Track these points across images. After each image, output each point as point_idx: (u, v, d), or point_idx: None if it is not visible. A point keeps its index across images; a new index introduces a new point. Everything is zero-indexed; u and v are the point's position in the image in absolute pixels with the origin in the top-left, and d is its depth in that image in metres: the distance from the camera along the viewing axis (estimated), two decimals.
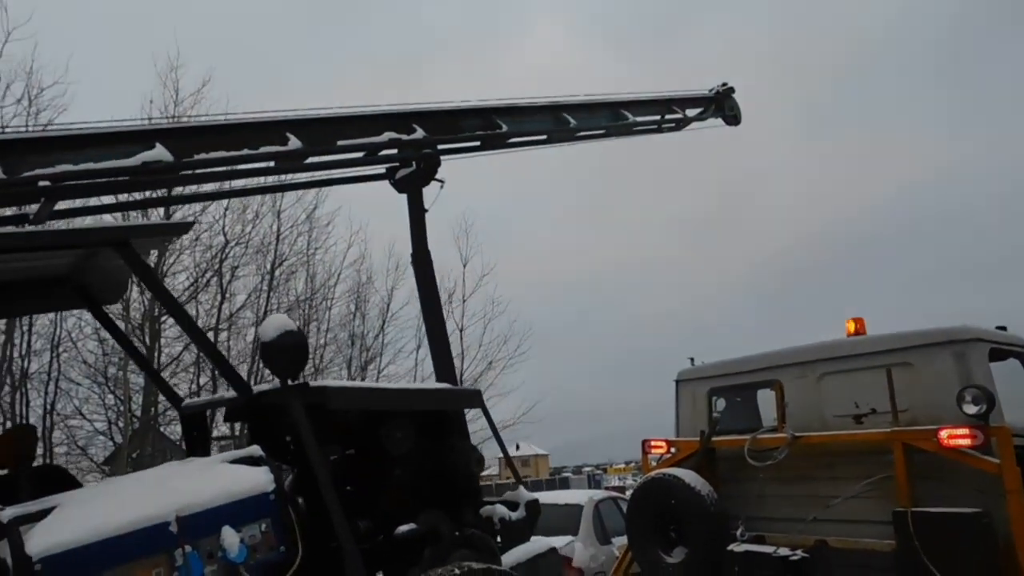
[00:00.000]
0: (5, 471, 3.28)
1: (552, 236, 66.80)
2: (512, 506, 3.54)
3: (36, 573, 2.14)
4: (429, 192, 4.57)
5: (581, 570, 7.06)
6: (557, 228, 71.55)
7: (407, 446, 3.30)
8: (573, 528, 7.58)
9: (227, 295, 16.72)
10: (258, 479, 2.65)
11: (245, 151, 4.07)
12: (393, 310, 19.93)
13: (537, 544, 3.43)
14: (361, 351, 19.44)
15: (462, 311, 20.18)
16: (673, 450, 6.05)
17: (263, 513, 2.59)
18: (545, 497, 6.39)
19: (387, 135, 4.61)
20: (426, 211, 4.07)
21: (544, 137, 6.05)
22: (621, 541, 6.50)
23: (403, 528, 3.20)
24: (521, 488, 3.58)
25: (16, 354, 13.81)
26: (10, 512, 2.27)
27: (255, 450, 2.80)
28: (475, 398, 3.92)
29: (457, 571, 2.67)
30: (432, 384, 4.29)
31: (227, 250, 16.44)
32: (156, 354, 14.79)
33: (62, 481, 3.16)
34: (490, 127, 5.40)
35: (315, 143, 4.32)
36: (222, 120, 4.41)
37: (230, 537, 2.41)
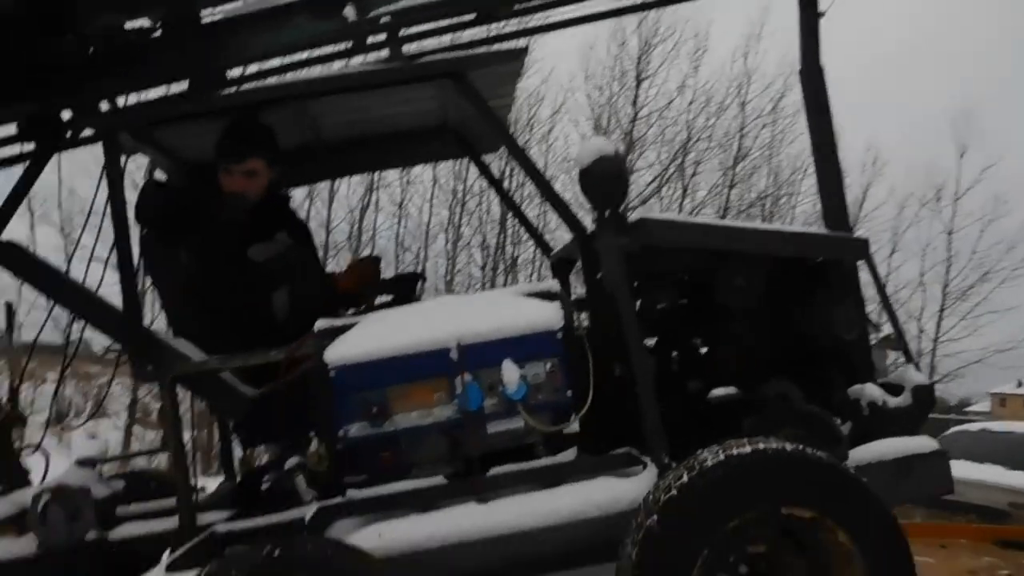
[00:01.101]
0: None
1: None
2: (894, 390, 2.77)
3: (330, 379, 2.37)
4: None
5: None
6: None
7: (751, 298, 2.75)
8: None
9: (688, 191, 16.67)
10: (547, 314, 2.45)
11: None
12: (866, 210, 18.17)
13: (918, 443, 2.57)
14: None
15: (952, 211, 17.72)
16: None
17: (549, 351, 2.41)
18: None
19: None
20: (821, 15, 3.06)
21: None
22: None
23: (718, 392, 2.84)
24: (911, 368, 2.81)
25: None
26: (321, 323, 2.51)
27: (553, 285, 2.51)
28: (858, 248, 2.95)
29: (747, 447, 2.09)
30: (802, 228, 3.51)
31: (689, 145, 16.62)
32: None
33: None
34: None
35: None
36: None
37: (510, 372, 2.34)
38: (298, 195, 14.86)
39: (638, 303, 2.93)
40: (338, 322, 2.57)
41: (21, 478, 2.89)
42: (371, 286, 3.27)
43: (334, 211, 18.11)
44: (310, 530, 2.31)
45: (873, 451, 2.52)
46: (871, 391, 2.71)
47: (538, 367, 2.44)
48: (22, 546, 2.54)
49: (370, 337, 2.49)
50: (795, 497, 2.11)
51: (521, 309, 2.57)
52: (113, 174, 2.67)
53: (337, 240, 18.46)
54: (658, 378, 2.85)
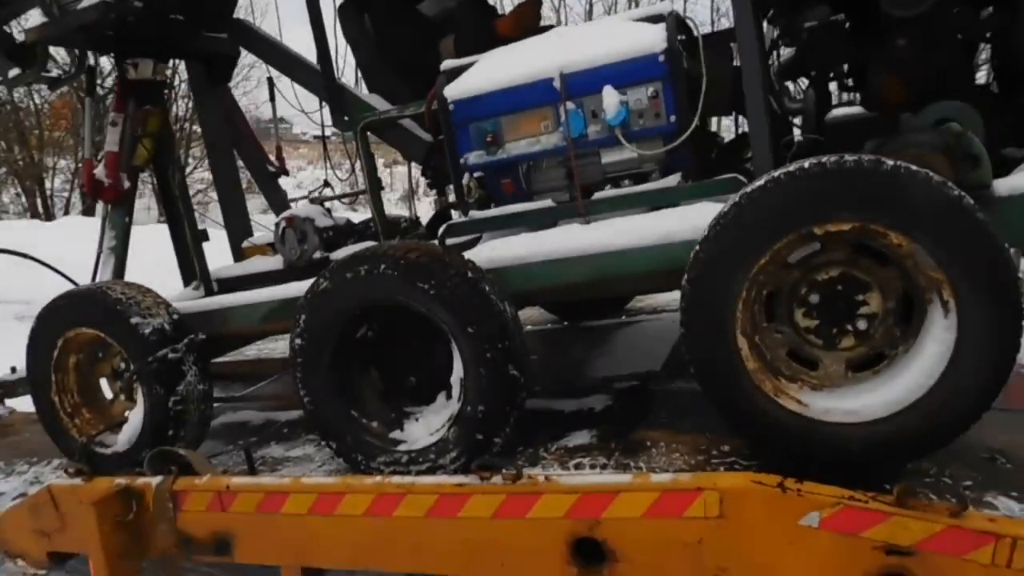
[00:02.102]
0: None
1: None
2: None
3: (450, 111, 2.74)
4: None
5: None
6: None
7: (921, 6, 2.30)
8: None
9: None
10: (649, 38, 2.42)
11: None
12: None
13: None
14: None
15: None
16: None
17: (650, 76, 2.40)
18: None
19: None
20: None
21: None
22: None
23: (841, 112, 2.67)
24: None
25: None
26: (446, 63, 2.90)
27: (665, 6, 2.58)
28: None
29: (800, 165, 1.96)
30: None
31: None
32: None
33: None
34: None
35: None
36: None
37: (609, 97, 2.37)
38: None
39: (782, 22, 2.63)
40: (462, 61, 2.85)
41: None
42: (530, 30, 3.33)
43: None
44: (440, 241, 2.79)
45: None
46: None
47: (640, 92, 2.44)
48: (274, 262, 3.50)
49: (483, 73, 2.75)
50: (832, 209, 1.94)
51: (626, 34, 2.53)
52: None
53: None
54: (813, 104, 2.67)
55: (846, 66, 2.70)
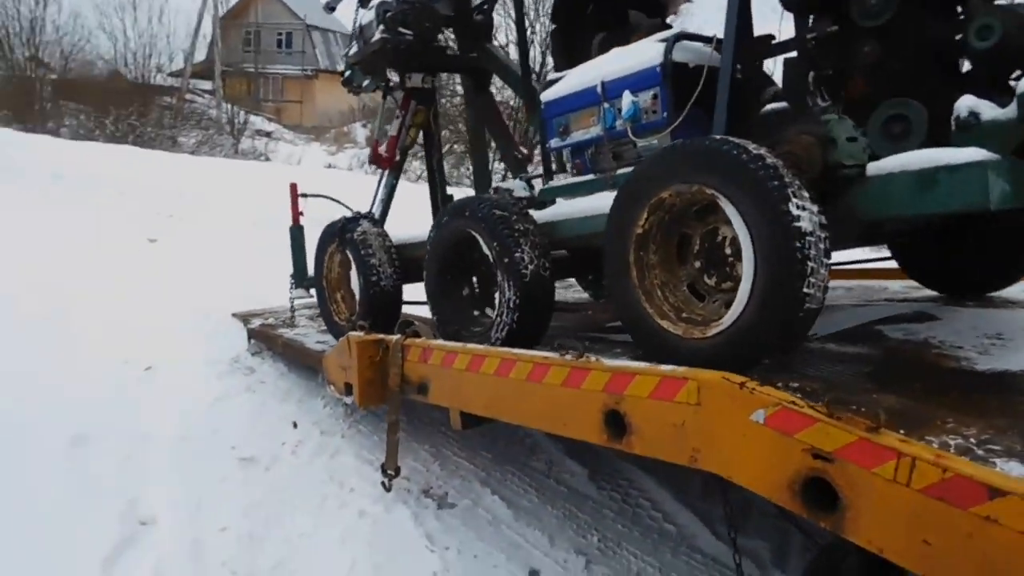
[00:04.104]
0: None
1: None
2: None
3: (543, 108, 3.64)
4: None
5: None
6: None
7: (886, 15, 2.57)
8: None
9: None
10: (650, 55, 3.12)
11: None
12: None
13: (961, 154, 2.21)
14: None
15: None
16: None
17: (651, 83, 3.09)
18: None
19: None
20: None
21: None
22: None
23: (774, 106, 3.02)
24: None
25: None
26: (551, 76, 3.94)
27: (680, 32, 3.24)
28: None
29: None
30: None
31: None
32: None
33: None
34: None
35: None
36: None
37: (626, 99, 3.14)
38: None
39: (794, 33, 2.97)
40: (560, 74, 3.75)
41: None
42: None
43: None
44: (534, 203, 3.82)
45: (901, 161, 2.32)
46: (965, 102, 2.30)
47: (646, 95, 3.12)
48: None
49: (565, 82, 3.57)
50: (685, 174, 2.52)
51: (641, 51, 3.20)
52: None
53: None
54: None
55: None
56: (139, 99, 25.52)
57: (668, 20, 4.09)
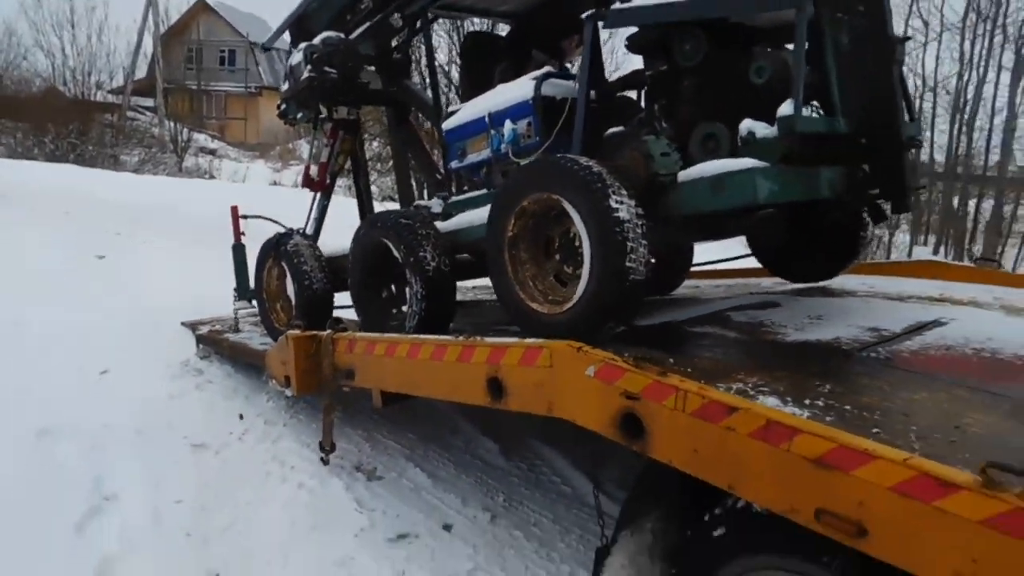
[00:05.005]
0: None
1: None
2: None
3: (445, 135, 4.26)
4: None
5: None
6: None
7: (696, 57, 3.28)
8: None
9: None
10: (524, 90, 3.74)
11: None
12: None
13: (738, 163, 2.96)
14: None
15: None
16: None
17: (525, 113, 3.71)
18: None
19: None
20: None
21: None
22: None
23: (615, 130, 3.56)
24: (788, 103, 2.92)
25: None
26: (452, 107, 4.54)
27: (549, 69, 3.86)
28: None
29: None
30: None
31: None
32: None
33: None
34: None
35: None
36: None
37: (508, 126, 3.76)
38: None
39: (642, 69, 3.70)
40: (455, 108, 4.38)
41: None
42: None
43: None
44: (440, 216, 4.37)
45: (703, 169, 3.03)
46: (745, 124, 3.01)
47: (522, 124, 3.76)
48: None
49: (461, 112, 4.22)
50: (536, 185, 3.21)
51: (519, 88, 3.83)
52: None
53: None
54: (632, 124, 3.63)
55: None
56: (79, 116, 25.32)
57: (567, 64, 4.74)
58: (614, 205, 2.86)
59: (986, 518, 1.66)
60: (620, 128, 3.53)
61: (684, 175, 3.07)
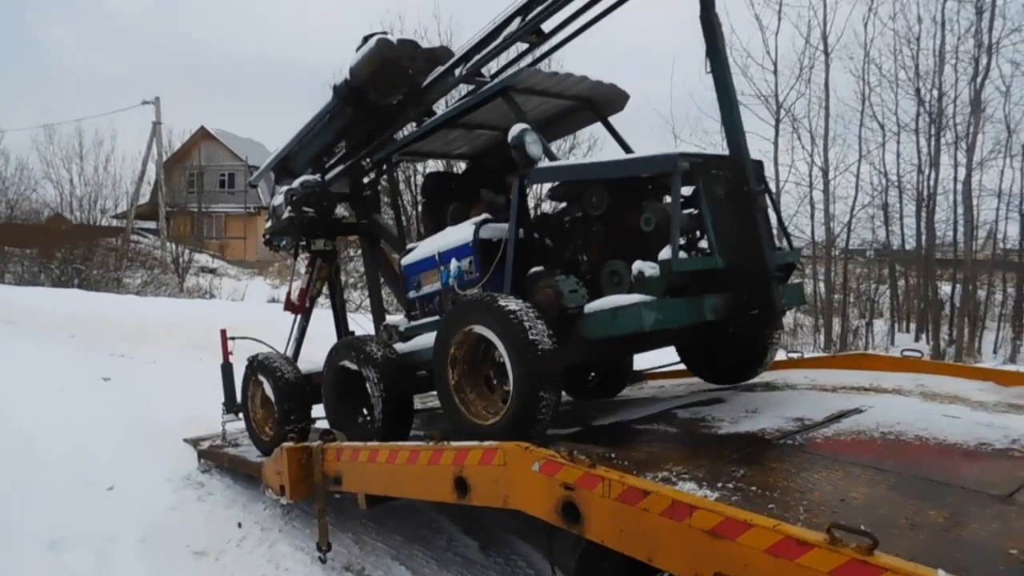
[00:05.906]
0: None
1: None
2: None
3: (403, 269, 4.96)
4: None
5: None
6: None
7: (602, 208, 3.99)
8: None
9: None
10: (465, 233, 4.38)
11: None
12: None
13: (632, 298, 3.62)
14: None
15: None
16: None
17: (467, 253, 4.34)
18: None
19: None
20: None
21: None
22: None
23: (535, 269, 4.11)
24: (667, 248, 3.58)
25: None
26: (409, 245, 5.11)
27: (487, 216, 4.47)
28: (663, 163, 3.68)
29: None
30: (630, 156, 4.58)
31: None
32: None
33: None
34: None
35: None
36: None
37: (453, 264, 4.38)
38: None
39: (562, 216, 4.38)
40: (412, 245, 4.99)
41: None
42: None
43: None
44: (401, 337, 4.98)
45: (604, 303, 3.62)
46: (636, 264, 3.63)
47: (465, 261, 4.40)
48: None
49: (416, 251, 4.85)
50: (469, 319, 3.79)
51: (462, 231, 4.46)
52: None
53: None
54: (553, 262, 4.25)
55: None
56: (84, 240, 26.33)
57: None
58: (529, 329, 3.51)
59: (831, 570, 2.11)
60: (540, 268, 4.13)
61: (589, 307, 3.68)
